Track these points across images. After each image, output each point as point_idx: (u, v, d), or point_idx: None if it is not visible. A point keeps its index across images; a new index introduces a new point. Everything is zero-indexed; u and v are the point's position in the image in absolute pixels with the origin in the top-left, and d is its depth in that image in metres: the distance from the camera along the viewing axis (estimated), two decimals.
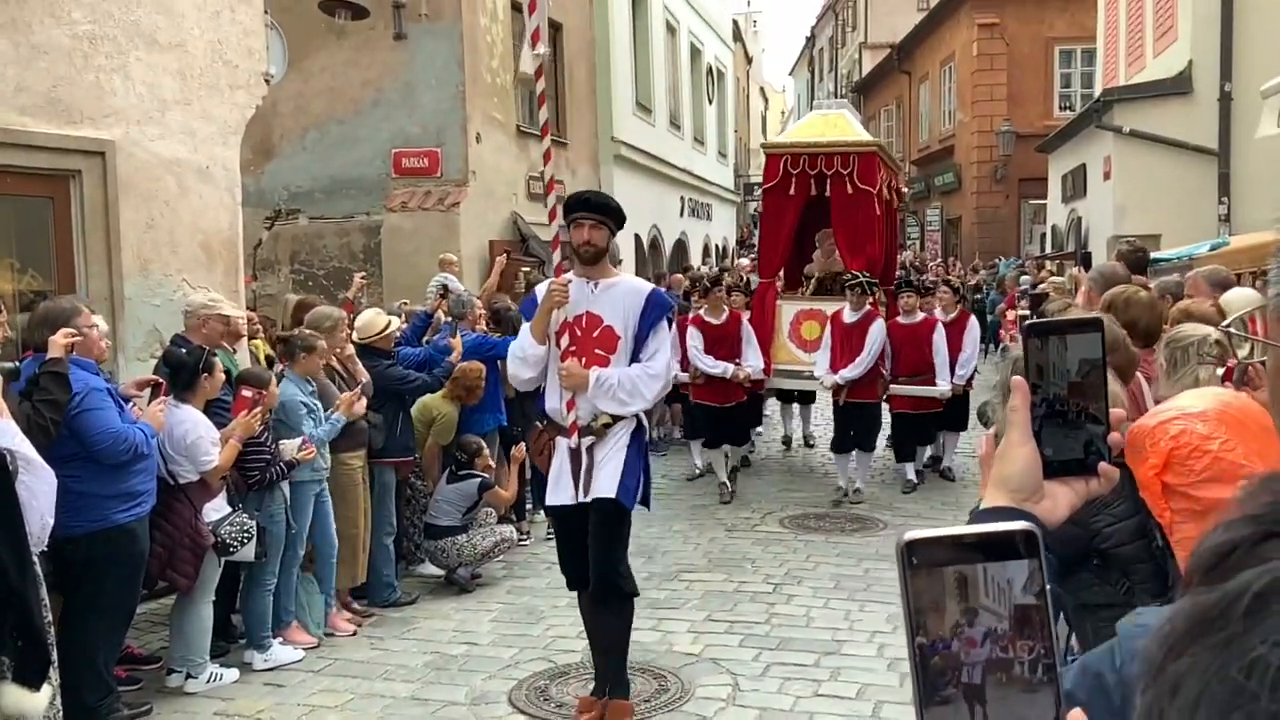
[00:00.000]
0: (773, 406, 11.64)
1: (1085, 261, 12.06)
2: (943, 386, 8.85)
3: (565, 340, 4.53)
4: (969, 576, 0.82)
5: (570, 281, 4.55)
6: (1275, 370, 0.95)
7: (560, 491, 4.61)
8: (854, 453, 8.85)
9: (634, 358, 4.56)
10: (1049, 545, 0.94)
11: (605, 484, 4.48)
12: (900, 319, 9.09)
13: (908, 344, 8.95)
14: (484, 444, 6.94)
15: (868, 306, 8.79)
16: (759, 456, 10.82)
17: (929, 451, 9.69)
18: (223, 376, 5.19)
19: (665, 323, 4.65)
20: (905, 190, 30.01)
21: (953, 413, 9.34)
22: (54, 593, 4.46)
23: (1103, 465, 1.05)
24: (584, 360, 4.51)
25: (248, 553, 5.14)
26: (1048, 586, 0.83)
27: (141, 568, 4.65)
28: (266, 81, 7.44)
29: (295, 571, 5.67)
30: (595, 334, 4.55)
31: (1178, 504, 2.20)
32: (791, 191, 9.56)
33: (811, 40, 48.25)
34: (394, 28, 11.89)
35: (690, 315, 9.37)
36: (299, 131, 12.76)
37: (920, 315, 9.10)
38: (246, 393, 5.24)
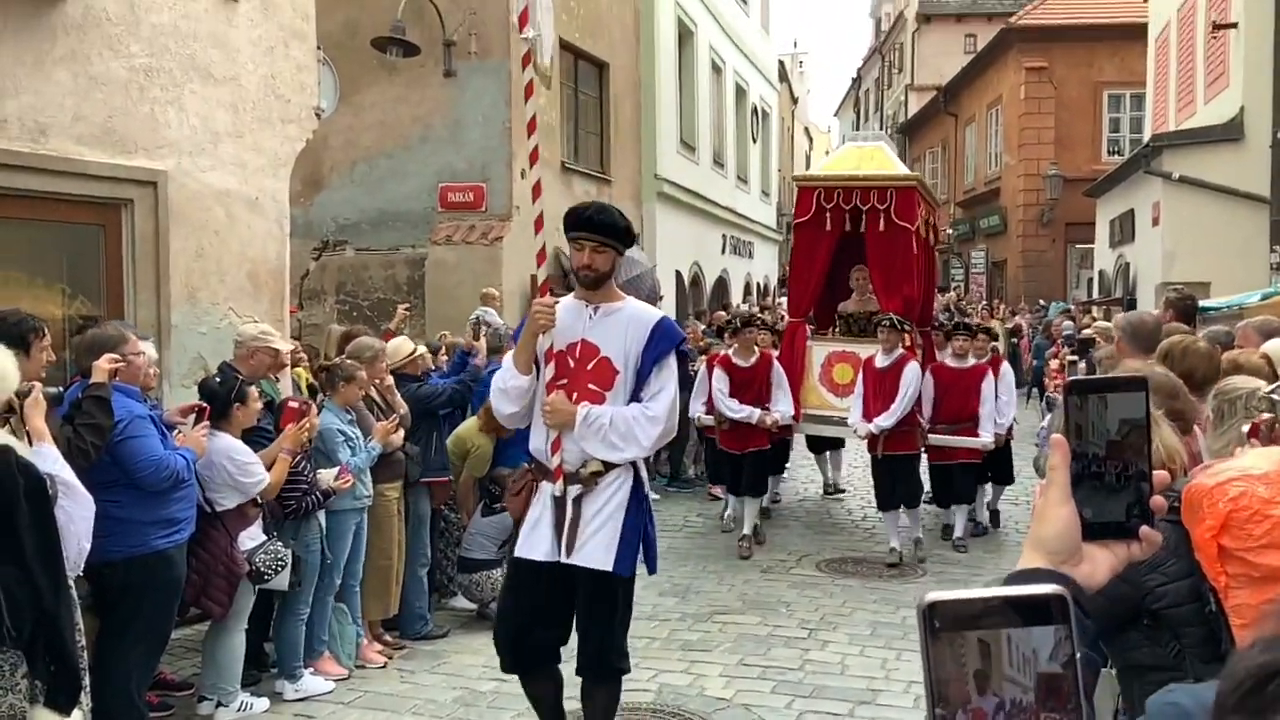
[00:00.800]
0: (807, 455, 11.15)
1: (1131, 308, 11.89)
2: (985, 438, 8.41)
3: (551, 370, 3.98)
4: (993, 644, 0.79)
5: (556, 303, 4.02)
6: None
7: (536, 543, 3.99)
8: (900, 510, 8.23)
9: (634, 396, 3.99)
10: (1086, 611, 0.91)
11: (599, 552, 3.89)
12: (950, 362, 8.68)
13: (954, 390, 8.45)
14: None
15: (901, 349, 8.20)
16: (796, 498, 10.71)
17: (968, 512, 8.83)
18: (258, 406, 5.24)
19: (672, 358, 4.08)
20: (949, 232, 29.84)
21: (994, 465, 8.92)
22: (90, 616, 4.51)
23: (1144, 529, 1.02)
24: (575, 395, 3.95)
25: (282, 581, 5.16)
26: (1078, 654, 0.80)
27: (178, 594, 4.68)
28: (317, 116, 7.57)
29: (329, 601, 5.68)
30: (590, 366, 4.00)
31: (1234, 569, 2.12)
32: (825, 227, 9.05)
33: (858, 81, 48.39)
34: (444, 65, 12.07)
35: (719, 355, 8.95)
36: (348, 165, 12.97)
37: (971, 360, 8.61)
38: (293, 403, 5.30)
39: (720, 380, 8.56)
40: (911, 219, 8.87)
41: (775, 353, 9.13)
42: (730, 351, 8.81)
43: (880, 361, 8.24)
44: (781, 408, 8.57)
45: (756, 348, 8.74)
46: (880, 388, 8.16)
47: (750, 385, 8.55)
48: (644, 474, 4.14)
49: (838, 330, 9.66)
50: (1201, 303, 7.84)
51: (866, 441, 8.30)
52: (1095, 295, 18.94)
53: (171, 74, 6.31)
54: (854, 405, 8.46)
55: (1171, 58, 15.72)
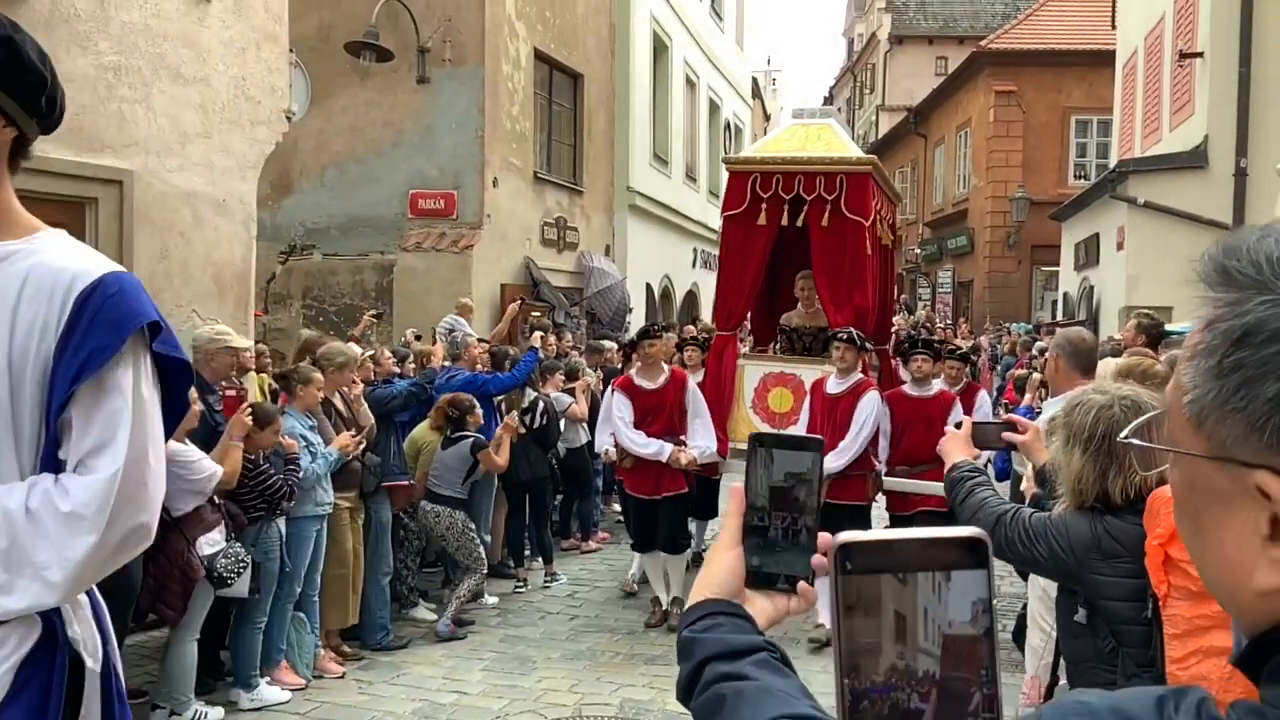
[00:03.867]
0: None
1: (1094, 331, 12.01)
2: None
3: None
4: (908, 616, 0.77)
5: None
6: (1185, 483, 0.79)
7: None
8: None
9: (47, 459, 1.71)
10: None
11: None
12: (908, 389, 6.97)
13: (916, 423, 6.66)
14: (475, 402, 6.85)
15: (859, 374, 6.69)
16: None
17: None
18: (200, 408, 5.14)
19: (124, 371, 1.76)
20: (917, 251, 29.83)
21: None
22: None
23: (801, 586, 1.04)
24: None
25: (241, 587, 5.07)
26: (995, 602, 0.79)
27: (131, 601, 4.59)
28: (288, 119, 7.51)
29: (289, 610, 5.60)
30: None
31: (1176, 579, 2.16)
32: (760, 220, 7.33)
33: (829, 100, 48.77)
34: (417, 71, 12.04)
35: (621, 377, 7.34)
36: (318, 169, 12.88)
37: (936, 387, 7.00)
38: (230, 392, 5.22)
39: (621, 407, 6.84)
40: (865, 212, 7.24)
41: (700, 374, 7.66)
42: (633, 372, 7.13)
43: (833, 387, 6.68)
44: (700, 441, 6.86)
45: (664, 366, 7.11)
46: (831, 418, 6.57)
47: (659, 413, 6.85)
48: (70, 633, 1.71)
49: (779, 347, 8.00)
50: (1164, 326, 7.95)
51: None
52: (1059, 317, 19.15)
53: (140, 72, 6.24)
54: None
55: (1138, 85, 15.96)
